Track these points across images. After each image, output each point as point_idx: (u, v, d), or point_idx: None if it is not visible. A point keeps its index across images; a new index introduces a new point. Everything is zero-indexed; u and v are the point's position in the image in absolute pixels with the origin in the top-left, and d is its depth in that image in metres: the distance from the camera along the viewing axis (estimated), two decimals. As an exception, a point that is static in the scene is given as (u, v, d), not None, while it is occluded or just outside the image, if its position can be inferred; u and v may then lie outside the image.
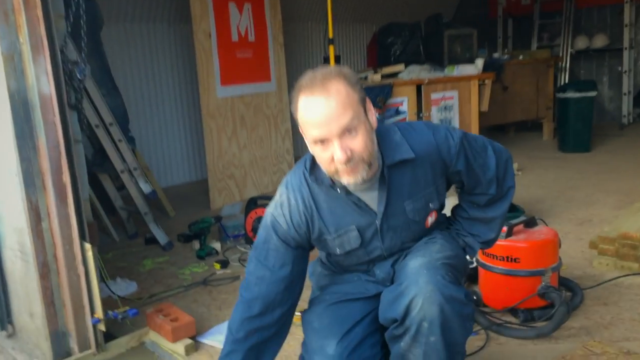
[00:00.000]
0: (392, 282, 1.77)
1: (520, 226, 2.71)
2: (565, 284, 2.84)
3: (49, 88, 2.36)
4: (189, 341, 2.51)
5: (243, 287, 1.76)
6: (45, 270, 2.49)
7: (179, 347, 2.49)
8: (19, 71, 2.39)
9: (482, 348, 2.38)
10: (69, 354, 2.55)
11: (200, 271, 3.52)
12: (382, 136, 1.66)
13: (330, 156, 1.52)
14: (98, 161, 3.85)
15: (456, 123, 5.69)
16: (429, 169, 1.70)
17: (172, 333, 2.49)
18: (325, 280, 1.93)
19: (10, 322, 2.96)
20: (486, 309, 2.68)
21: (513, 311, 2.62)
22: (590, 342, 2.34)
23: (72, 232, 2.43)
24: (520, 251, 2.56)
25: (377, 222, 1.69)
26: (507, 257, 2.58)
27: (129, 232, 4.27)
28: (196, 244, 3.82)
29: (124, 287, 3.26)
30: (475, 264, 2.78)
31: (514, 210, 3.88)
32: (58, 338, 2.55)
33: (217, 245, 3.81)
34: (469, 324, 1.65)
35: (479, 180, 1.77)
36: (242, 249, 3.80)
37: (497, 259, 2.60)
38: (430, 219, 1.77)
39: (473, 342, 2.42)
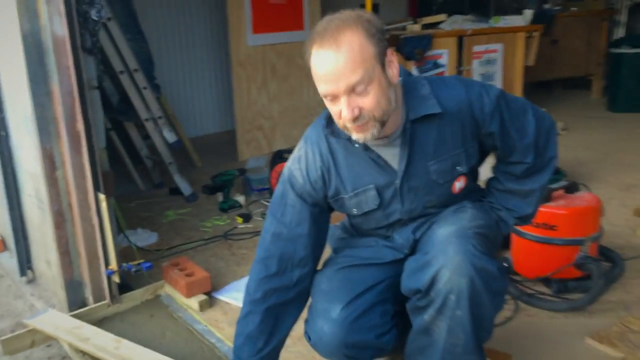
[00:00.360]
0: (410, 250, 1.65)
1: (560, 191, 2.51)
2: (605, 253, 2.65)
3: (63, 30, 2.24)
4: (203, 297, 2.44)
5: (260, 245, 1.67)
6: (60, 219, 2.43)
7: (193, 302, 2.43)
8: (32, 11, 2.27)
9: (510, 319, 2.25)
10: (85, 304, 2.53)
11: (222, 224, 3.45)
12: (408, 89, 1.51)
13: (339, 111, 1.40)
14: (123, 109, 3.76)
15: (499, 78, 5.39)
16: (459, 127, 1.53)
17: (186, 288, 2.42)
18: (341, 242, 1.82)
19: (30, 268, 2.97)
20: (517, 277, 2.53)
21: (546, 281, 2.46)
22: (628, 317, 2.17)
23: (86, 182, 2.35)
24: (558, 218, 2.37)
25: (397, 182, 1.56)
26: (544, 224, 2.40)
27: (154, 181, 4.22)
28: (220, 196, 3.74)
29: (144, 238, 3.22)
30: (507, 230, 2.61)
31: (555, 173, 3.66)
32: (73, 287, 2.51)
33: (240, 199, 3.72)
34: (500, 300, 1.51)
35: (515, 146, 1.59)
36: (266, 203, 3.70)
37: (532, 225, 2.42)
38: (458, 184, 1.60)
39: (501, 313, 2.28)
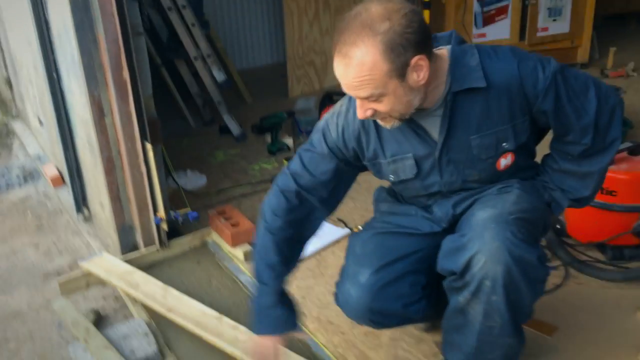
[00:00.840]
0: (449, 224, 1.61)
1: (624, 153, 2.35)
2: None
3: (106, -25, 2.18)
4: (248, 247, 2.47)
5: (280, 178, 1.67)
6: (110, 166, 2.47)
7: (238, 252, 2.47)
8: (77, -44, 2.21)
9: (558, 286, 2.18)
10: (136, 247, 2.61)
11: (269, 168, 3.45)
12: (456, 58, 1.42)
13: None
14: (173, 46, 3.72)
15: (567, 12, 5.03)
16: (506, 103, 1.43)
17: (231, 238, 2.46)
18: (384, 206, 1.79)
19: (86, 206, 3.07)
20: (569, 241, 2.43)
21: (601, 247, 2.36)
22: (688, 293, 2.07)
23: (133, 130, 2.36)
24: (619, 183, 2.24)
25: (436, 153, 1.50)
26: (603, 189, 2.27)
27: (205, 118, 4.23)
28: (268, 138, 3.72)
29: (194, 180, 3.26)
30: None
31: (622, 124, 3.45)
32: (125, 231, 2.59)
33: (289, 141, 3.70)
34: (540, 287, 1.47)
35: (571, 126, 1.48)
36: (315, 146, 3.66)
37: (590, 189, 2.30)
38: (504, 161, 1.52)
39: (549, 280, 2.21)
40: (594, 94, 1.46)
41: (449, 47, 1.45)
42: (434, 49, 1.45)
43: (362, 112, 1.38)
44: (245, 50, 5.50)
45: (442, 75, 1.42)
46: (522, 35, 5.05)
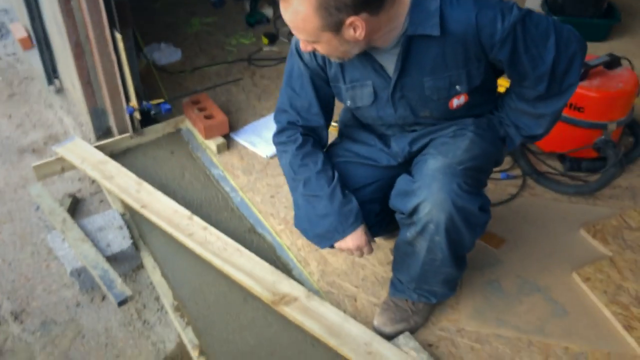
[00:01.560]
0: (404, 160, 1.68)
1: (600, 67, 2.35)
2: (632, 128, 2.58)
3: None
4: (221, 140, 2.52)
5: (279, 101, 1.70)
6: (79, 51, 2.41)
7: (211, 144, 2.51)
8: None
9: (514, 197, 2.30)
10: (110, 131, 2.64)
11: (247, 43, 3.36)
12: (417, 0, 1.38)
13: None
14: None
15: None
16: (461, 50, 1.43)
17: (204, 131, 2.48)
18: (346, 129, 1.83)
19: (57, 78, 3.02)
20: (532, 147, 2.52)
21: (561, 157, 2.46)
22: (630, 211, 2.21)
23: (101, 17, 2.26)
24: (587, 100, 2.27)
25: (389, 89, 1.53)
26: (571, 104, 2.31)
27: (181, -24, 3.98)
28: (247, 6, 3.57)
29: (168, 55, 3.18)
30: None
31: (609, 13, 3.36)
32: (97, 115, 2.60)
33: (268, 12, 3.55)
34: (480, 230, 1.57)
35: (526, 74, 1.48)
36: (295, 20, 3.53)
37: (559, 102, 2.33)
38: (457, 101, 1.54)
39: (505, 188, 2.34)
40: (553, 42, 1.44)
41: None
42: None
43: (304, 47, 1.44)
44: None
45: (400, 18, 1.40)
46: None
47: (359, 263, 2.02)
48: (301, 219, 1.68)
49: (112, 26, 2.28)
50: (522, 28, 1.40)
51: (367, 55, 1.49)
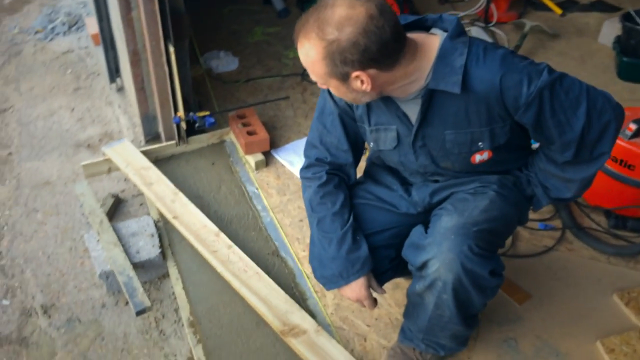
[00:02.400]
0: (424, 209, 1.66)
1: (657, 124, 2.22)
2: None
3: None
4: (260, 157, 2.56)
5: (309, 136, 1.71)
6: (136, 59, 2.51)
7: (251, 160, 2.56)
8: None
9: (549, 249, 2.22)
10: (158, 136, 2.73)
11: (304, 57, 3.38)
12: (443, 54, 1.36)
13: None
14: None
15: None
16: (484, 109, 1.39)
17: (245, 147, 2.53)
18: (371, 168, 1.82)
19: (120, 77, 3.15)
20: (579, 199, 2.41)
21: (606, 212, 2.34)
22: (673, 282, 2.08)
23: (157, 29, 2.34)
24: (639, 160, 2.15)
25: (411, 137, 1.51)
26: (621, 161, 2.20)
27: (252, -16, 4.06)
28: (310, 19, 3.59)
29: (226, 63, 3.26)
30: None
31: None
32: (148, 120, 2.70)
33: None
34: (491, 292, 1.53)
35: (552, 139, 1.42)
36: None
37: (610, 158, 2.21)
38: (479, 157, 1.50)
39: (541, 239, 2.26)
40: (584, 110, 1.38)
41: (444, 36, 1.38)
42: (434, 31, 1.42)
43: (319, 85, 1.44)
44: None
45: (421, 72, 1.38)
46: None
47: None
48: (313, 257, 1.69)
49: (166, 38, 2.36)
50: (550, 93, 1.35)
51: (391, 101, 1.48)
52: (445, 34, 1.38)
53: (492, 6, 3.74)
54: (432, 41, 1.38)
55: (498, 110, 1.39)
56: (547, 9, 3.97)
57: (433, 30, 1.42)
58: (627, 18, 3.21)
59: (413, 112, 1.47)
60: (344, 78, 1.33)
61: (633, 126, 2.18)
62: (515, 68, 1.34)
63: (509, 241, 2.23)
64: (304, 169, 1.71)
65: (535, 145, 1.62)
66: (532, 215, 2.33)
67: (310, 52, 1.31)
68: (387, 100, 1.48)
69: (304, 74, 3.21)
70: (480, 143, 1.47)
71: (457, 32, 1.38)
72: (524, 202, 1.62)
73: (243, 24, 3.71)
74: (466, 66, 1.34)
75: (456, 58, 1.35)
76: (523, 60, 1.37)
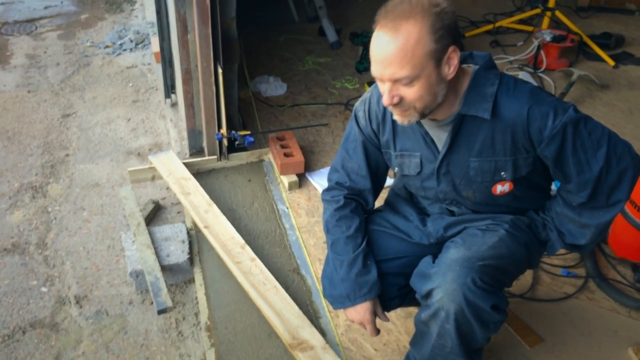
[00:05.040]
0: (437, 241, 1.71)
1: (691, 181, 2.19)
2: None
3: None
4: (294, 178, 2.67)
5: (334, 161, 1.78)
6: (188, 77, 2.68)
7: (285, 180, 2.67)
8: None
9: (567, 297, 2.21)
10: (202, 150, 2.89)
11: (350, 87, 3.50)
12: (476, 82, 1.45)
13: (383, 93, 1.41)
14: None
15: None
16: (510, 138, 1.46)
17: (280, 167, 2.65)
18: (392, 198, 1.89)
19: (174, 93, 3.36)
20: (606, 249, 2.39)
21: (634, 266, 2.31)
22: (693, 343, 2.03)
23: (209, 51, 2.51)
24: (668, 215, 2.13)
25: (436, 163, 1.58)
26: (650, 215, 2.18)
27: (309, 14, 4.25)
28: (360, 51, 3.72)
29: (274, 88, 3.41)
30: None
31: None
32: (194, 135, 2.87)
33: (379, 61, 3.67)
34: (494, 327, 1.54)
35: (570, 177, 1.47)
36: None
37: (637, 208, 2.21)
38: (501, 187, 1.55)
39: (562, 286, 2.25)
40: (604, 152, 1.43)
41: (476, 68, 1.48)
42: (464, 66, 1.50)
43: (389, 97, 1.39)
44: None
45: (458, 95, 1.46)
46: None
47: (386, 327, 2.06)
48: (325, 275, 1.76)
49: (216, 60, 2.52)
50: (574, 130, 1.41)
51: (421, 127, 1.56)
52: (477, 67, 1.47)
53: (542, 53, 3.77)
54: (466, 71, 1.47)
55: (523, 141, 1.45)
56: (600, 59, 3.97)
57: (463, 65, 1.50)
58: (678, 74, 3.18)
59: (440, 138, 1.54)
60: (440, 58, 1.34)
61: (663, 180, 2.16)
62: (543, 101, 1.41)
63: (527, 283, 2.24)
64: (325, 191, 1.80)
65: (553, 193, 1.66)
66: (556, 261, 2.35)
67: (413, 32, 1.30)
68: (416, 127, 1.55)
69: (347, 104, 3.32)
70: (503, 173, 1.52)
71: (489, 65, 1.48)
72: (537, 245, 1.64)
73: (296, 52, 3.88)
74: (496, 95, 1.43)
75: (488, 87, 1.44)
76: (550, 96, 1.45)
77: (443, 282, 1.49)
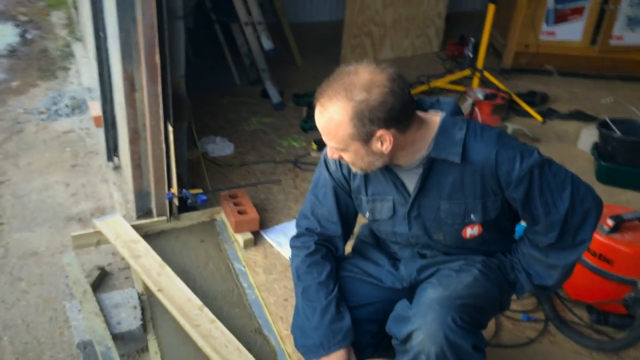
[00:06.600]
0: (409, 285, 1.69)
1: (635, 222, 2.31)
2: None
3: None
4: (249, 235, 2.60)
5: (302, 208, 1.76)
6: (135, 137, 2.61)
7: (240, 238, 2.59)
8: None
9: (532, 341, 2.22)
10: (150, 212, 2.78)
11: (297, 146, 3.52)
12: (444, 127, 1.49)
13: None
14: (226, 7, 3.75)
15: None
16: (479, 180, 1.49)
17: (235, 225, 2.58)
18: (360, 245, 1.87)
19: (117, 156, 3.25)
20: (560, 292, 2.44)
21: (588, 307, 2.36)
22: (655, 379, 2.07)
23: (158, 110, 2.47)
24: (618, 254, 2.21)
25: (407, 207, 1.58)
26: (600, 255, 2.26)
27: (250, 78, 4.29)
28: (304, 111, 3.77)
29: (221, 148, 3.38)
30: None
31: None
32: (142, 196, 2.76)
33: (323, 120, 3.73)
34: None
35: (538, 219, 1.51)
36: (347, 131, 3.68)
37: (589, 252, 2.29)
38: (470, 231, 1.57)
39: (524, 330, 2.26)
40: (569, 194, 1.48)
41: (443, 114, 1.52)
42: (432, 112, 1.54)
43: (330, 154, 1.51)
44: (305, 3, 5.42)
45: (425, 141, 1.50)
46: (593, 40, 4.81)
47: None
48: (296, 325, 1.69)
49: (166, 118, 2.47)
50: (540, 172, 1.46)
51: (390, 172, 1.57)
52: (444, 113, 1.51)
53: (477, 110, 3.95)
54: (433, 117, 1.52)
55: (491, 183, 1.48)
56: (528, 115, 4.20)
57: (430, 111, 1.54)
58: (603, 125, 3.40)
59: (411, 181, 1.56)
60: (367, 139, 1.41)
61: (610, 222, 2.26)
62: (510, 145, 1.47)
63: (492, 330, 2.24)
64: (294, 238, 1.76)
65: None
66: (515, 305, 2.37)
67: (335, 115, 1.38)
68: (387, 171, 1.57)
69: (296, 162, 3.32)
70: (472, 215, 1.54)
71: (456, 111, 1.53)
72: (507, 286, 1.66)
73: (240, 113, 3.88)
74: (465, 140, 1.46)
75: (456, 132, 1.47)
76: (515, 140, 1.51)
77: (423, 323, 1.47)
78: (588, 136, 3.73)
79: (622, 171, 3.30)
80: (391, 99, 1.37)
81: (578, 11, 4.74)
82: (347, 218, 1.74)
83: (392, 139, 1.42)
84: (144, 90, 2.45)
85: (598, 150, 3.46)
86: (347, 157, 1.49)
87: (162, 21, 2.29)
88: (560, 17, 4.78)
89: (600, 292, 2.31)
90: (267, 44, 3.76)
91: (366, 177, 1.63)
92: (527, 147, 1.50)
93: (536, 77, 4.93)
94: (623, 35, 4.75)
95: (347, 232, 1.75)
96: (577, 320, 2.33)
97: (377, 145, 1.43)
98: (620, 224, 2.27)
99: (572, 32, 4.82)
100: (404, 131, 1.44)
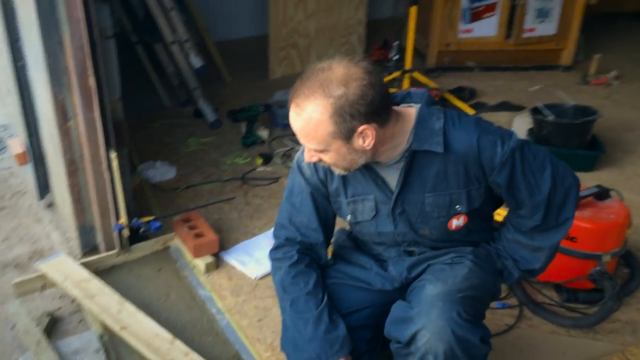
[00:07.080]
0: (401, 285, 1.64)
1: (590, 198, 2.37)
2: (627, 260, 2.55)
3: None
4: (209, 259, 2.47)
5: (279, 217, 1.69)
6: (73, 168, 2.42)
7: (200, 263, 2.45)
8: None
9: (511, 327, 2.22)
10: (96, 248, 2.58)
11: (241, 163, 3.41)
12: (422, 119, 1.46)
13: None
14: (148, 26, 3.59)
15: (556, 12, 4.97)
16: (462, 169, 1.47)
17: (193, 249, 2.44)
18: (341, 251, 1.80)
19: (49, 193, 3.01)
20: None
21: (557, 287, 2.40)
22: (632, 348, 2.12)
23: (97, 137, 2.30)
24: (580, 231, 2.26)
25: (391, 204, 1.54)
26: (564, 233, 2.30)
27: (180, 99, 4.14)
28: (243, 127, 3.66)
29: (163, 172, 3.22)
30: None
31: (594, 145, 3.46)
32: (86, 232, 2.56)
33: (264, 133, 3.65)
34: (481, 361, 1.49)
35: (523, 202, 1.51)
36: (289, 142, 3.61)
37: (552, 231, 2.32)
38: (456, 222, 1.55)
39: (502, 318, 2.26)
40: (549, 173, 1.48)
41: (418, 106, 1.48)
42: (405, 105, 1.50)
43: (309, 157, 1.45)
44: (227, 21, 5.33)
45: (404, 134, 1.46)
46: (508, 34, 5.00)
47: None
48: (287, 342, 1.60)
49: (107, 145, 2.30)
50: (521, 155, 1.45)
51: (370, 170, 1.52)
52: (419, 105, 1.48)
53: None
54: (408, 110, 1.48)
55: (475, 171, 1.46)
56: (460, 109, 4.30)
57: (403, 105, 1.50)
58: (536, 112, 3.53)
59: (392, 178, 1.51)
60: (349, 136, 1.35)
61: (568, 200, 2.31)
62: (489, 130, 1.45)
63: (471, 322, 2.22)
64: (274, 250, 1.66)
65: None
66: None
67: (314, 114, 1.32)
68: (365, 170, 1.52)
69: (243, 178, 3.21)
70: (457, 206, 1.51)
71: (429, 101, 1.50)
72: (497, 274, 1.64)
73: (176, 135, 3.72)
74: (444, 128, 1.43)
75: (434, 122, 1.44)
76: (493, 124, 1.49)
77: (428, 322, 1.41)
78: (521, 124, 3.85)
79: (558, 153, 3.39)
80: (370, 91, 1.33)
81: (491, 8, 4.92)
82: (327, 224, 1.67)
83: (374, 133, 1.37)
84: (79, 117, 2.27)
85: (533, 135, 3.57)
86: (327, 158, 1.43)
87: (94, 42, 2.14)
88: (475, 15, 4.95)
89: (567, 271, 2.35)
90: (196, 61, 3.63)
91: (344, 178, 1.57)
92: (505, 130, 1.49)
93: (460, 74, 5.07)
94: (534, 27, 4.97)
95: (328, 238, 1.68)
96: (548, 301, 2.36)
97: (359, 142, 1.38)
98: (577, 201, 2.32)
99: (487, 28, 5.00)
100: (383, 125, 1.40)
